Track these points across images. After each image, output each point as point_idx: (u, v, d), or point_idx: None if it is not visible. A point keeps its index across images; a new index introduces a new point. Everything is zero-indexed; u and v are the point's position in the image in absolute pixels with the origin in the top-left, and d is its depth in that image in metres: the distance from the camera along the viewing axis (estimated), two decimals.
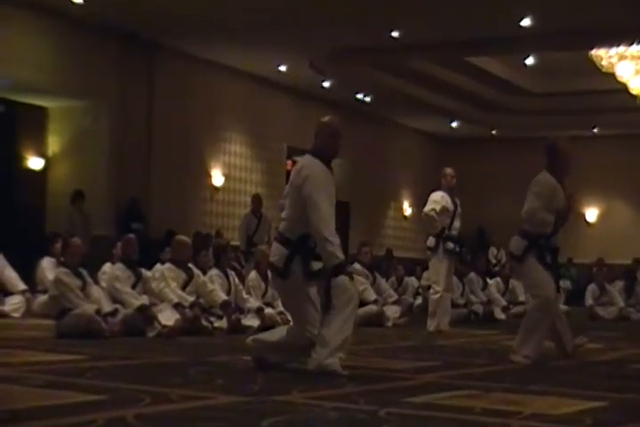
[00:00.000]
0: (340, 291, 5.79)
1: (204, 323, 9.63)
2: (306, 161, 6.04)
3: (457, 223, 11.07)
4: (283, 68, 18.68)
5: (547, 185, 7.25)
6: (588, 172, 20.79)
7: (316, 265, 5.86)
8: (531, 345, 7.12)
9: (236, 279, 10.72)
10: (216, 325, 9.81)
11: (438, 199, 10.97)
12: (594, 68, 17.13)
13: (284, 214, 6.07)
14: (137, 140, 16.73)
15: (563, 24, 15.24)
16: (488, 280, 15.33)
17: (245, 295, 10.61)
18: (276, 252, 5.97)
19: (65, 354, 6.97)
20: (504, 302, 15.05)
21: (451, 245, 10.96)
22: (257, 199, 15.89)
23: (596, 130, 23.65)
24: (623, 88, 17.43)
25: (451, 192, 11.08)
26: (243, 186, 19.54)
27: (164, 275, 9.87)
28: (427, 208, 11.02)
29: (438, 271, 11.03)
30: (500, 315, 14.56)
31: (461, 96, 21.03)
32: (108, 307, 9.12)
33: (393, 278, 15.07)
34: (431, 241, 11.03)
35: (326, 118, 6.27)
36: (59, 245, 11.54)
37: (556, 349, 7.57)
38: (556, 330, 7.41)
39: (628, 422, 4.33)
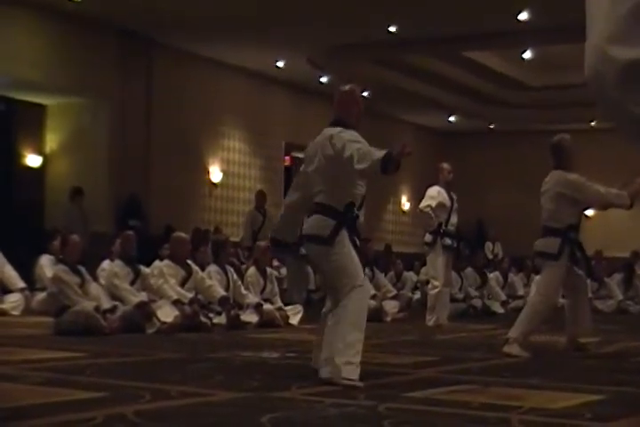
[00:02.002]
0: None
1: (203, 319, 9.63)
2: (333, 130, 5.68)
3: (454, 218, 11.07)
4: (281, 64, 18.66)
5: (576, 181, 7.37)
6: (586, 165, 20.74)
7: (355, 239, 5.60)
8: (520, 329, 7.21)
9: (235, 275, 10.72)
10: (215, 321, 9.81)
11: (435, 195, 10.96)
12: None
13: (320, 188, 5.65)
14: (135, 136, 16.72)
15: (560, 18, 15.20)
16: (488, 274, 15.34)
17: (244, 291, 10.62)
18: (318, 223, 5.57)
19: (64, 351, 6.97)
20: (504, 297, 15.06)
21: (448, 240, 10.96)
22: (261, 196, 15.85)
23: (593, 123, 23.62)
24: None
25: (448, 187, 11.08)
26: (241, 182, 19.53)
27: (162, 271, 9.87)
28: (422, 204, 11.02)
29: (436, 266, 11.03)
30: (499, 309, 14.57)
31: (459, 90, 21.02)
32: (106, 304, 9.13)
33: (392, 273, 15.08)
34: (428, 237, 11.03)
35: (347, 87, 6.04)
36: (57, 243, 11.54)
37: (566, 337, 7.63)
38: (574, 318, 7.53)
39: (627, 415, 4.33)
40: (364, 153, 5.36)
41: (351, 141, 5.50)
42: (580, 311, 7.57)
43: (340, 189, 5.64)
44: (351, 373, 5.20)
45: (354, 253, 5.52)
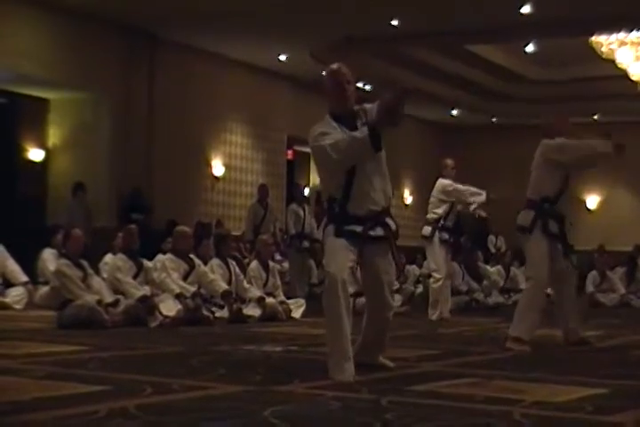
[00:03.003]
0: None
1: (206, 313, 9.64)
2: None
3: (452, 216, 11.09)
4: (283, 58, 18.65)
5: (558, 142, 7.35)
6: None
7: (349, 227, 5.32)
8: (522, 327, 7.16)
9: (237, 269, 10.72)
10: (217, 315, 9.82)
11: (450, 183, 10.98)
12: (594, 55, 17.10)
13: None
14: (138, 131, 16.72)
15: (563, 11, 15.19)
16: (488, 267, 15.35)
17: (246, 285, 10.62)
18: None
19: (67, 345, 6.98)
20: (501, 283, 15.05)
21: (445, 235, 10.99)
22: (263, 189, 15.82)
23: (596, 117, 23.61)
24: (623, 75, 17.40)
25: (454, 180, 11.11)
26: (244, 176, 19.53)
27: (165, 265, 9.87)
28: (460, 192, 10.91)
29: (436, 260, 11.03)
30: (498, 297, 14.58)
31: (462, 84, 20.99)
32: (109, 298, 9.14)
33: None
34: (426, 230, 11.02)
35: (327, 68, 5.67)
36: (60, 237, 11.54)
37: (562, 331, 7.59)
38: (562, 312, 7.45)
39: (630, 408, 4.33)
40: (335, 142, 5.15)
41: (321, 135, 5.28)
42: (567, 304, 7.43)
43: (321, 184, 5.60)
44: (333, 370, 5.13)
45: (335, 245, 5.27)
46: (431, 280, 11.18)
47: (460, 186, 10.95)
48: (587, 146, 7.35)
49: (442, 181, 11.06)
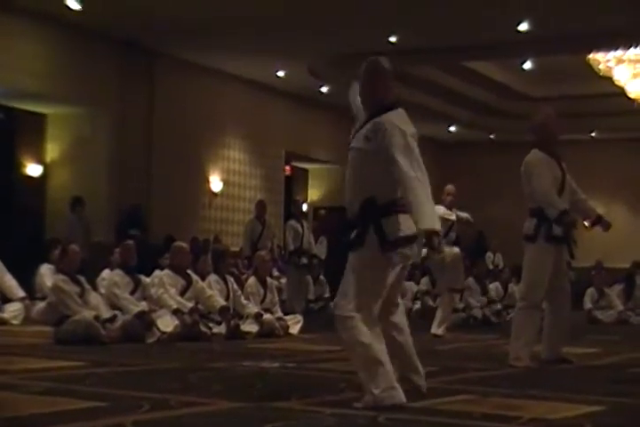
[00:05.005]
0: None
1: (203, 329, 9.63)
2: None
3: (452, 235, 11.12)
4: (281, 74, 18.69)
5: (540, 162, 7.18)
6: (587, 176, 20.81)
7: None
8: (519, 347, 7.12)
9: (235, 285, 10.71)
10: (215, 330, 9.80)
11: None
12: (591, 72, 17.16)
13: None
14: (136, 146, 16.73)
15: (560, 28, 15.25)
16: (488, 284, 15.34)
17: (244, 301, 10.60)
18: None
19: (64, 361, 6.97)
20: (498, 307, 15.04)
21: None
22: (261, 205, 15.82)
23: (593, 134, 23.66)
24: (621, 92, 17.46)
25: (450, 206, 11.12)
26: (242, 192, 19.53)
27: (162, 281, 9.86)
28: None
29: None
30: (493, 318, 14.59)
31: (459, 100, 21.04)
32: (106, 313, 9.12)
33: None
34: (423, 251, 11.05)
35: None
36: (57, 252, 11.53)
37: (542, 350, 7.53)
38: (551, 328, 7.38)
39: (627, 426, 4.33)
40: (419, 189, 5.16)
41: None
42: (558, 322, 7.33)
43: None
44: None
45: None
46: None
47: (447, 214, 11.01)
48: (547, 200, 7.06)
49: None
